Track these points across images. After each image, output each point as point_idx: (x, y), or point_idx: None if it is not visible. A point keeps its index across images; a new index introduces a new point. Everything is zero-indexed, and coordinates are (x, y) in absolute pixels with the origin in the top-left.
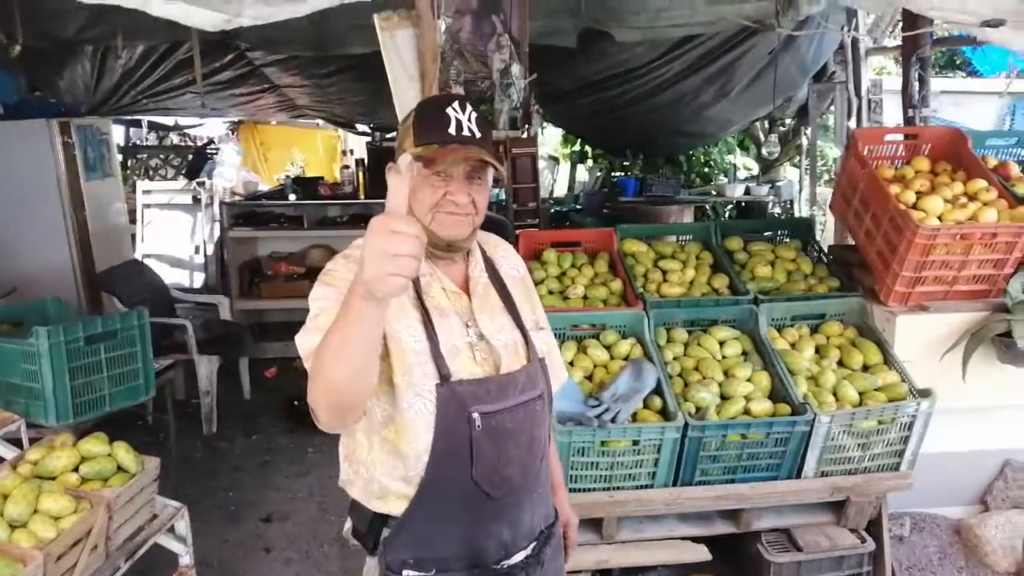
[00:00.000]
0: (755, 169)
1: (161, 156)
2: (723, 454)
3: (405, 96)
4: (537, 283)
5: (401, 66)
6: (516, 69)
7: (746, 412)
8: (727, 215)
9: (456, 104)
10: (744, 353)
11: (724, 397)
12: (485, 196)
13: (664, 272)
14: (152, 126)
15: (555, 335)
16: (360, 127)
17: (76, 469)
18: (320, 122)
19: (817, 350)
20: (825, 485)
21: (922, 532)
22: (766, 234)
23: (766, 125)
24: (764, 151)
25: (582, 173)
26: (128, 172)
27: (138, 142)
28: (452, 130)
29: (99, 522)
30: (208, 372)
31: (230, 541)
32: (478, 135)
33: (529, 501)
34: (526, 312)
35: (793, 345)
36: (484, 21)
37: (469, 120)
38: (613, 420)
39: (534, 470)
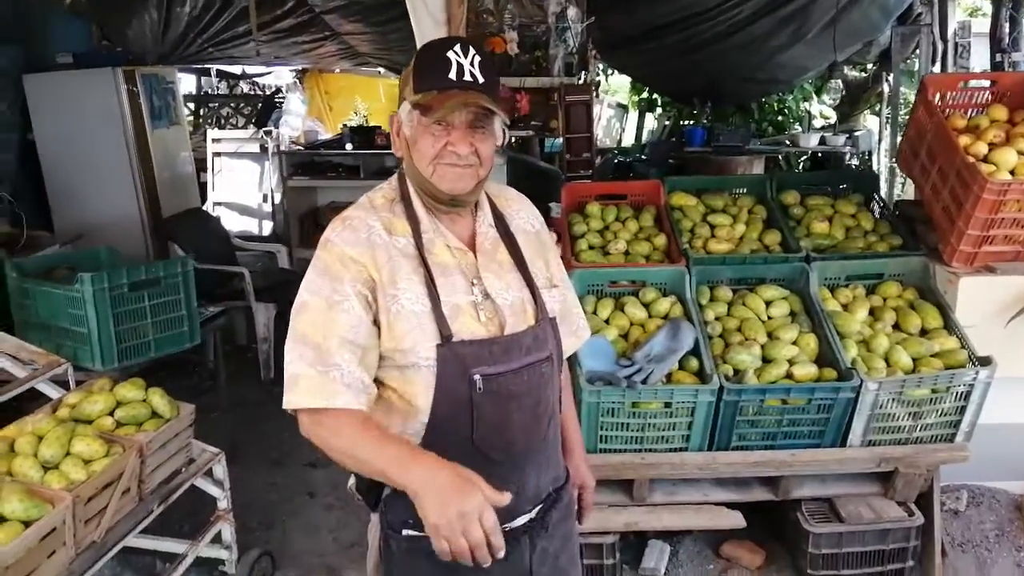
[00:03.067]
0: (833, 118)
1: (232, 105)
2: (762, 419)
3: None
4: (577, 237)
5: (425, 9)
6: (573, 12)
7: (789, 376)
8: (800, 167)
9: (458, 47)
10: (792, 314)
11: (767, 360)
12: (490, 146)
13: (713, 227)
14: (222, 75)
15: (592, 291)
16: None
17: (112, 414)
18: (382, 70)
19: (872, 312)
20: (871, 455)
21: (979, 507)
22: (828, 188)
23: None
24: (826, 98)
25: (651, 122)
26: (200, 121)
27: (209, 91)
28: (453, 75)
29: (131, 466)
30: (266, 319)
31: (276, 484)
32: (481, 80)
33: (534, 464)
34: (538, 269)
35: (846, 307)
36: None
37: (472, 64)
38: (644, 381)
39: (539, 433)
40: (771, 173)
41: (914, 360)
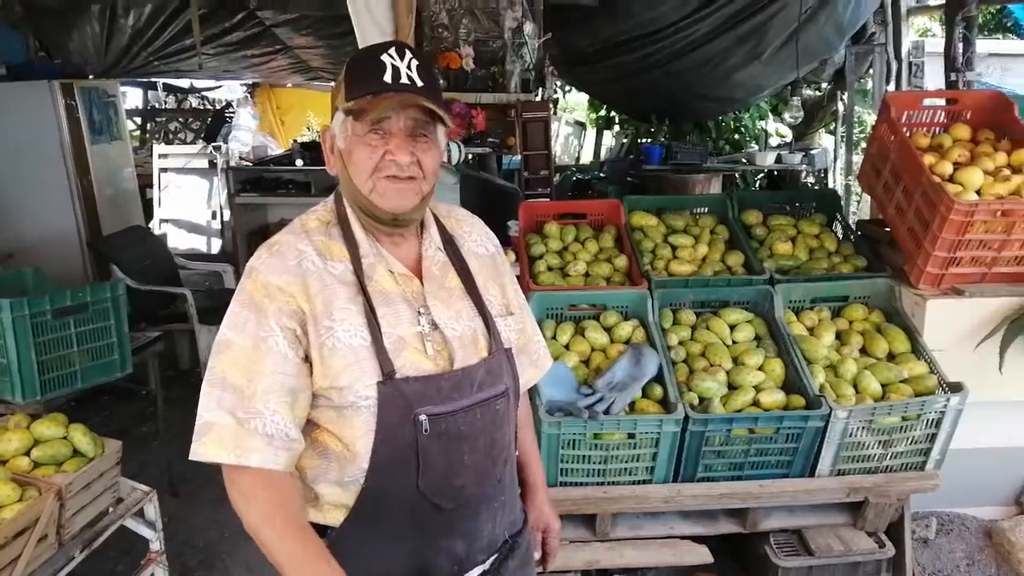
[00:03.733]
0: (789, 136)
1: (180, 120)
2: (729, 449)
3: None
4: (536, 258)
5: (370, 17)
6: (529, 28)
7: (755, 404)
8: (757, 184)
9: (393, 50)
10: (757, 338)
11: (732, 387)
12: (433, 157)
13: (674, 248)
14: (169, 89)
15: (551, 315)
16: None
17: (29, 453)
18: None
19: (838, 336)
20: (841, 485)
21: (949, 535)
22: (788, 208)
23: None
24: (787, 116)
25: (609, 140)
26: (146, 136)
27: (156, 105)
28: (388, 78)
29: (48, 510)
30: (209, 343)
31: (218, 520)
32: (419, 84)
33: (488, 511)
34: (492, 295)
35: (812, 331)
36: None
37: (409, 68)
38: (607, 411)
39: (493, 476)
40: (732, 192)
41: (883, 386)
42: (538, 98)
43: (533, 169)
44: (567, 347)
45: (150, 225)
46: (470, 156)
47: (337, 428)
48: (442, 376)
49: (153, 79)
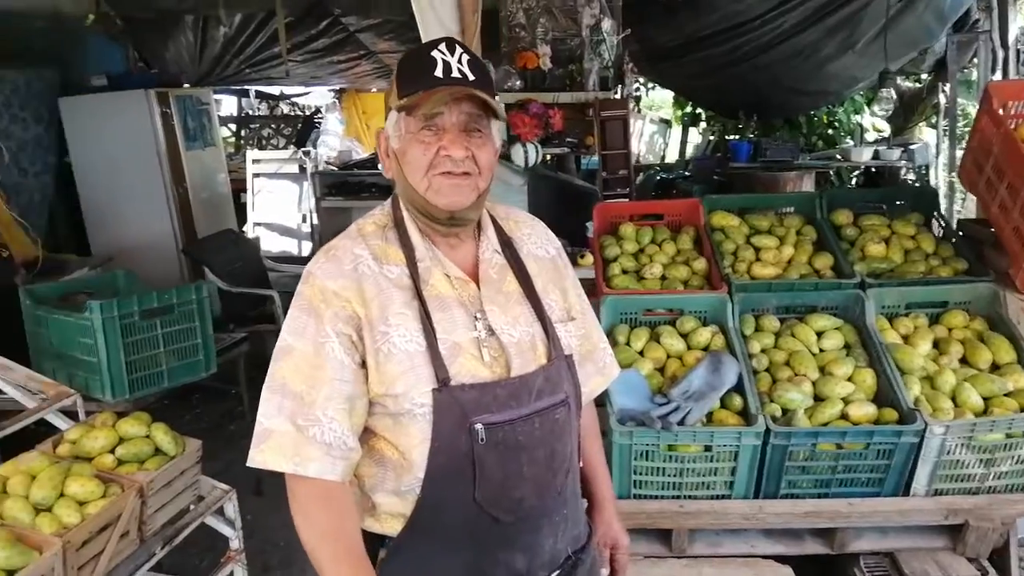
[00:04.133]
0: (887, 131)
1: (272, 126)
2: (814, 465)
3: None
4: (610, 260)
5: (436, 19)
6: (608, 24)
7: (844, 417)
8: (853, 182)
9: (443, 46)
10: (846, 347)
11: (818, 398)
12: (488, 153)
13: (757, 250)
14: (261, 96)
15: (625, 320)
16: None
17: (113, 451)
18: None
19: (936, 345)
20: (938, 506)
21: None
22: (883, 206)
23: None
24: (876, 109)
25: (695, 137)
26: (241, 142)
27: (249, 112)
28: (439, 72)
29: (130, 507)
30: None
31: None
32: (471, 78)
33: (549, 524)
34: (553, 300)
35: (907, 339)
36: None
37: (460, 62)
38: (681, 422)
39: (554, 489)
40: (821, 190)
41: (985, 400)
42: (617, 96)
43: (612, 169)
44: (641, 353)
45: (244, 229)
46: (548, 157)
47: (393, 436)
48: (498, 383)
49: (245, 87)
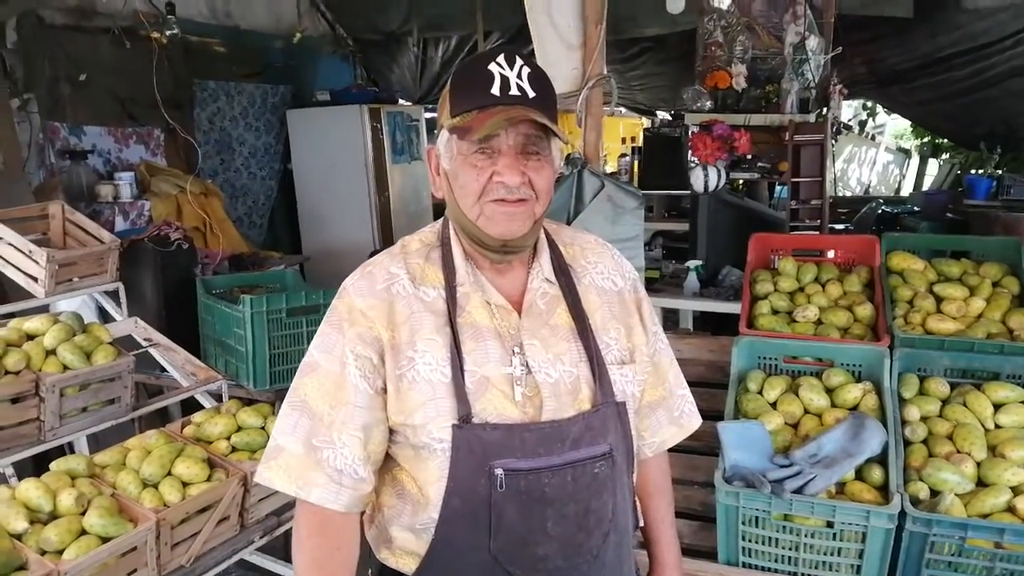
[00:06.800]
0: None
1: None
2: (964, 563)
3: (558, 71)
4: (759, 298)
5: (553, 29)
6: (813, 42)
7: (1010, 510)
8: None
9: (502, 58)
10: None
11: (982, 483)
12: (547, 176)
13: (940, 300)
14: None
15: (763, 365)
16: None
17: (229, 438)
18: (623, 110)
19: None
20: None
21: None
22: None
23: None
24: None
25: (934, 169)
26: None
27: None
28: (496, 90)
29: (230, 493)
30: None
31: None
32: (532, 95)
33: None
34: (612, 337)
35: None
36: None
37: (519, 77)
38: (800, 490)
39: (587, 551)
40: None
41: None
42: (815, 119)
43: (803, 198)
44: (774, 406)
45: None
46: (739, 182)
47: (413, 468)
48: (527, 427)
49: None
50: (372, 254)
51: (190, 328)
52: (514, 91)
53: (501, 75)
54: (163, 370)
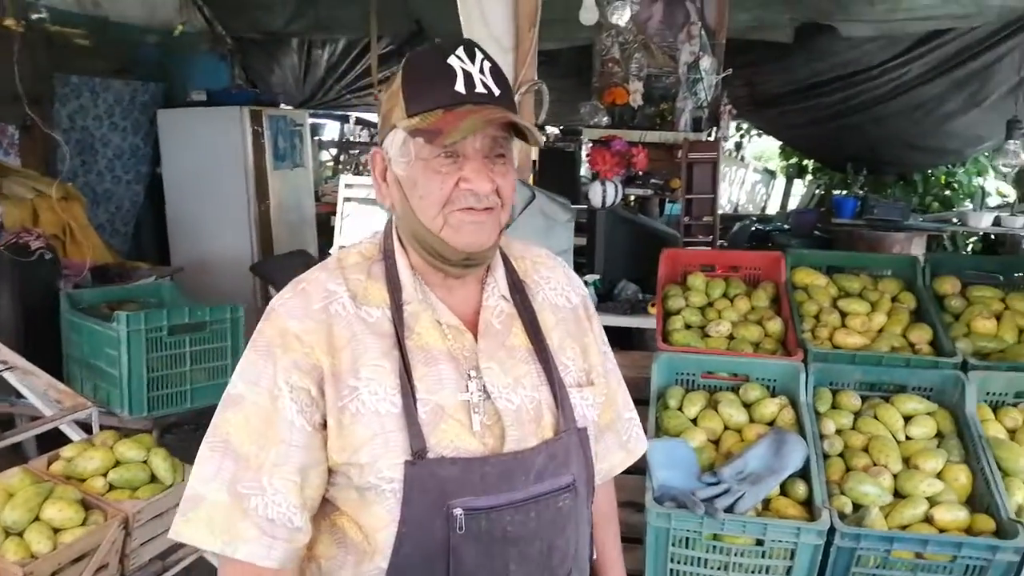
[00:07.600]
0: (1012, 196)
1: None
2: (888, 574)
3: None
4: (672, 313)
5: (487, 32)
6: (707, 63)
7: (928, 520)
8: (969, 249)
9: (461, 51)
10: (939, 436)
11: (899, 495)
12: (511, 181)
13: (844, 315)
14: (363, 123)
15: (680, 381)
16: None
17: (107, 475)
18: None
19: None
20: None
21: None
22: (1000, 277)
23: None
24: (1000, 163)
25: (800, 189)
26: (340, 167)
27: (351, 138)
28: (460, 87)
29: (110, 538)
30: None
31: None
32: (497, 92)
33: None
34: (569, 358)
35: (1013, 433)
36: (678, 8)
37: (483, 73)
38: (730, 508)
39: None
40: (926, 255)
41: None
42: (710, 138)
43: (696, 214)
44: (695, 422)
45: (330, 251)
46: (632, 198)
47: (356, 513)
48: (488, 460)
49: (347, 112)
50: (252, 267)
51: (52, 349)
52: (480, 88)
53: (464, 70)
54: (20, 396)
